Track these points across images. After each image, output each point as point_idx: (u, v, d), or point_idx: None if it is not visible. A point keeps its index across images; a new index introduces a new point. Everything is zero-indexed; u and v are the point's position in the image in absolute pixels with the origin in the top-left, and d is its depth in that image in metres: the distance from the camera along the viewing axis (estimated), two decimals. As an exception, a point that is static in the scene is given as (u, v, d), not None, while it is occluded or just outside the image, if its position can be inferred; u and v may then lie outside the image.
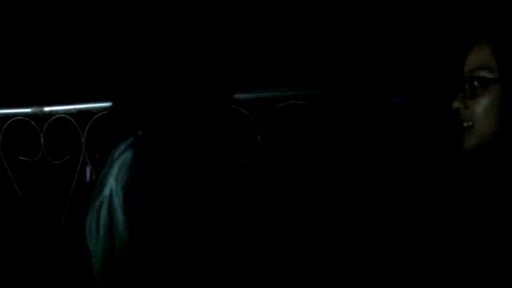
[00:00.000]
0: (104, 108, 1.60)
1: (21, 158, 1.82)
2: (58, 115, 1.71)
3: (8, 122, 1.80)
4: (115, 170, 0.84)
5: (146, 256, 0.81)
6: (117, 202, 0.81)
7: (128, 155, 0.84)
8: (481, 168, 0.86)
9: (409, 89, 1.40)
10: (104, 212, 0.83)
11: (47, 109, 1.72)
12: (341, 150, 1.35)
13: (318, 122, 1.33)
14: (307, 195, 1.42)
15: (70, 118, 1.68)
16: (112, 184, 0.82)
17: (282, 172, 1.44)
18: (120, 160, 0.84)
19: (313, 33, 2.69)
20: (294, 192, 1.42)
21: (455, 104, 0.86)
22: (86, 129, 1.66)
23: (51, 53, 2.42)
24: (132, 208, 0.80)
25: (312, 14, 2.66)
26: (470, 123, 0.83)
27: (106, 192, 0.83)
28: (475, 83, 0.81)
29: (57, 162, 1.75)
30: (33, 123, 1.76)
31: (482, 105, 0.80)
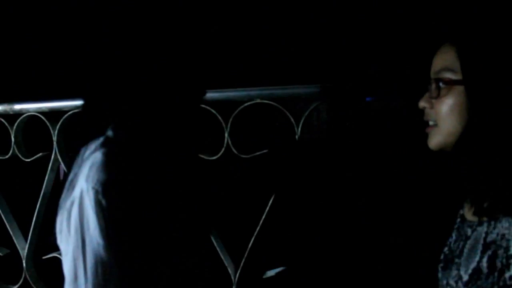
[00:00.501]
0: (76, 107, 1.60)
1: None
2: (29, 113, 1.70)
3: (-22, 119, 1.78)
4: (85, 170, 0.85)
5: (115, 254, 0.83)
6: (88, 202, 0.82)
7: (98, 155, 0.85)
8: (444, 166, 0.88)
9: (382, 88, 1.43)
10: (75, 212, 0.84)
11: (17, 107, 1.71)
12: (305, 147, 1.37)
13: (283, 121, 1.35)
14: (272, 191, 1.44)
15: (41, 116, 1.67)
16: (83, 184, 0.83)
17: (250, 170, 1.46)
18: (91, 160, 0.85)
19: (283, 33, 2.71)
20: (261, 188, 1.44)
21: (421, 104, 0.88)
22: (57, 127, 1.65)
23: (22, 50, 2.39)
24: (102, 207, 0.82)
25: (282, 13, 2.68)
26: (434, 122, 0.86)
27: (77, 192, 0.84)
28: (440, 84, 0.84)
29: (28, 160, 1.74)
30: (3, 120, 1.75)
31: (446, 105, 0.83)
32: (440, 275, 0.89)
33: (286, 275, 1.46)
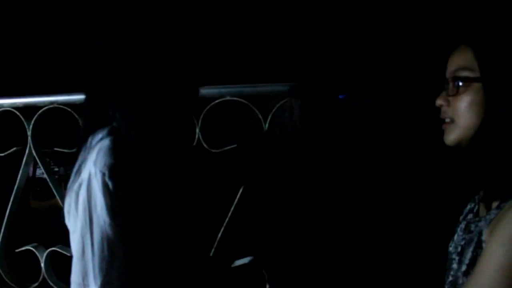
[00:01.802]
0: (50, 102, 1.64)
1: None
2: (3, 109, 1.72)
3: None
4: (93, 156, 0.93)
5: (121, 232, 0.91)
6: (96, 183, 0.90)
7: (106, 142, 0.94)
8: (462, 162, 0.91)
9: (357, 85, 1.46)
10: (83, 193, 0.92)
11: (-8, 102, 1.74)
12: (273, 142, 1.42)
13: (252, 118, 1.40)
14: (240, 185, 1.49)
15: (16, 111, 1.70)
16: (91, 167, 0.91)
17: (222, 166, 1.51)
18: (98, 146, 0.94)
19: (258, 30, 2.76)
20: (232, 185, 1.49)
21: (438, 102, 0.92)
22: (32, 122, 1.69)
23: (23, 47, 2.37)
24: (109, 189, 0.90)
25: (257, 11, 2.73)
26: (451, 119, 0.89)
27: (85, 175, 0.92)
28: (458, 82, 0.88)
29: (2, 155, 1.77)
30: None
31: (464, 102, 0.87)
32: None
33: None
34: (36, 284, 1.74)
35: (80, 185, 0.93)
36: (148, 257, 0.96)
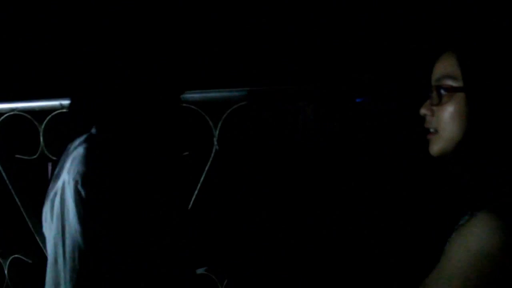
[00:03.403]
0: (11, 109, 1.64)
1: None
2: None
3: None
4: (68, 164, 0.92)
5: (92, 241, 0.89)
6: (69, 192, 0.89)
7: (80, 149, 0.92)
8: (445, 173, 0.89)
9: (375, 89, 1.39)
10: (57, 202, 0.91)
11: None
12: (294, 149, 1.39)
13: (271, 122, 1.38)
14: (261, 193, 1.49)
15: (27, 115, 1.68)
16: (65, 176, 0.90)
17: (238, 170, 1.49)
18: (73, 154, 0.92)
19: (272, 32, 2.74)
20: (249, 189, 1.48)
21: (422, 111, 0.88)
22: (43, 126, 1.65)
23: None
24: (81, 197, 0.88)
25: (269, 12, 2.71)
26: (435, 130, 0.85)
27: (60, 183, 0.91)
28: (441, 91, 0.84)
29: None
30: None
31: (447, 112, 0.83)
32: None
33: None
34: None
35: (55, 194, 0.93)
36: (123, 268, 0.93)
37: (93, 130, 0.98)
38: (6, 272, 1.71)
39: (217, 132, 1.35)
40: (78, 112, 1.01)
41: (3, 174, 1.71)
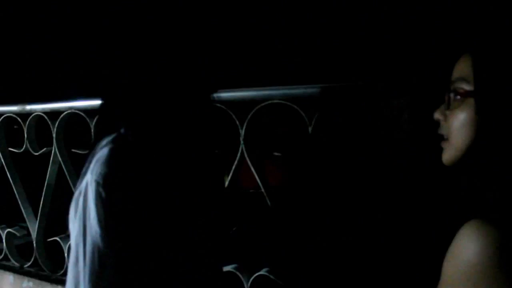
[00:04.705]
0: (69, 108, 1.81)
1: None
2: (37, 113, 1.93)
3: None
4: (92, 164, 0.91)
5: (112, 243, 0.89)
6: (90, 192, 0.89)
7: (105, 150, 0.91)
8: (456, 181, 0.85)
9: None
10: (81, 201, 0.91)
11: (28, 107, 1.95)
12: (324, 149, 1.35)
13: (302, 122, 1.34)
14: (291, 193, 1.49)
15: (44, 116, 1.90)
16: (89, 176, 0.90)
17: (266, 171, 1.49)
18: (98, 155, 0.91)
19: (299, 33, 2.73)
20: (278, 189, 1.49)
21: (436, 116, 0.84)
22: (56, 125, 1.87)
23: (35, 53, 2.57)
24: (102, 199, 0.88)
25: (297, 12, 2.70)
26: (446, 137, 0.82)
27: (84, 183, 0.91)
28: (454, 95, 0.80)
29: (37, 154, 1.98)
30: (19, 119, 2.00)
31: (457, 119, 0.78)
32: None
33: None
34: (62, 271, 1.93)
35: (80, 193, 0.92)
36: (143, 270, 0.93)
37: (122, 130, 0.96)
38: (66, 254, 1.89)
39: (244, 131, 1.38)
40: (109, 111, 1.01)
41: (63, 166, 1.89)
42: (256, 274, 1.47)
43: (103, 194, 0.88)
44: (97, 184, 0.88)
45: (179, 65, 0.96)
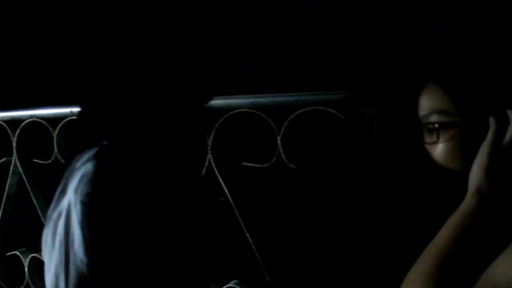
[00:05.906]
0: (30, 116, 1.73)
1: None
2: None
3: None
4: (75, 181, 0.80)
5: (100, 274, 0.78)
6: (75, 215, 0.78)
7: (89, 166, 0.80)
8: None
9: None
10: (61, 225, 0.80)
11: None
12: (365, 157, 1.30)
13: (341, 129, 1.30)
14: (326, 201, 1.45)
15: (4, 124, 1.82)
16: (71, 196, 0.79)
17: (302, 177, 1.45)
18: (82, 171, 0.81)
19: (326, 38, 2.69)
20: (312, 197, 1.45)
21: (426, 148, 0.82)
22: (16, 134, 1.79)
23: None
24: (89, 223, 0.77)
25: (317, 16, 2.66)
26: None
27: (65, 203, 0.80)
28: (432, 128, 0.79)
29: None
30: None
31: (443, 152, 0.79)
32: None
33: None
34: (22, 287, 1.85)
35: (59, 215, 0.80)
36: None
37: (105, 142, 0.86)
38: (26, 270, 1.81)
39: (211, 141, 1.35)
40: (89, 120, 0.91)
41: (23, 176, 1.81)
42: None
43: (91, 217, 0.77)
44: (84, 205, 0.77)
45: (179, 66, 0.87)
